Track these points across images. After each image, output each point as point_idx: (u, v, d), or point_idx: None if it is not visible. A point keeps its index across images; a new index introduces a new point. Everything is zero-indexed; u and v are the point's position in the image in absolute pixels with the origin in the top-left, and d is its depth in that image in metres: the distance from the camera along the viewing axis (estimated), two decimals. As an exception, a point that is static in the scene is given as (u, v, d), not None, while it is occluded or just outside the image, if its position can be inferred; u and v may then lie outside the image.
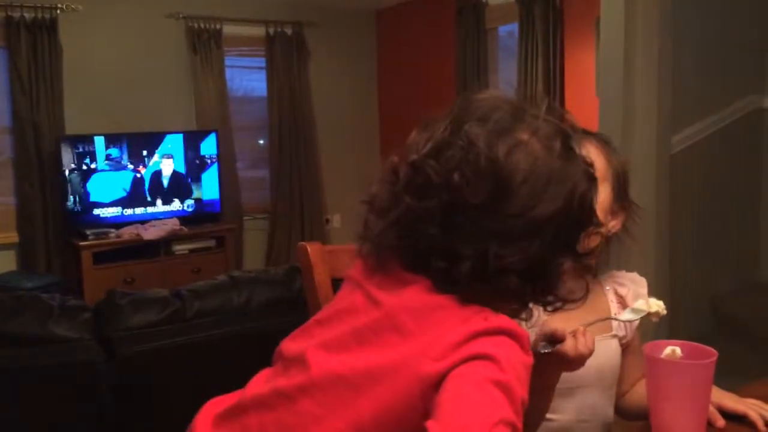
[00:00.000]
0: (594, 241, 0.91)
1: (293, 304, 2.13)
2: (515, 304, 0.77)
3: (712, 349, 0.94)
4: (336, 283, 1.18)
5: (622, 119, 3.02)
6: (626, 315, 0.96)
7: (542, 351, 0.85)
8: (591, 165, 0.78)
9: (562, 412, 0.98)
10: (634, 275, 1.17)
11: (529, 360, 0.70)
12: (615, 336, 1.12)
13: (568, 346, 0.84)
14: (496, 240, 0.71)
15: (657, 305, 0.93)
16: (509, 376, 0.64)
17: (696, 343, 0.96)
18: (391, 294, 0.74)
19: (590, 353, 0.85)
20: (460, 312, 0.71)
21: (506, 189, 0.71)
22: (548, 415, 0.97)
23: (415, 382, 0.67)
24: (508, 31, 4.83)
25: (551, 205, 0.72)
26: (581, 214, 0.75)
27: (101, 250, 4.40)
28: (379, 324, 0.72)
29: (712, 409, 0.98)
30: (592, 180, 0.77)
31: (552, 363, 0.86)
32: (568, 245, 0.76)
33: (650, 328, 1.00)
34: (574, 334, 0.85)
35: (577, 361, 0.85)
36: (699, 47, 3.28)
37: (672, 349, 0.94)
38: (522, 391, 0.65)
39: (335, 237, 5.76)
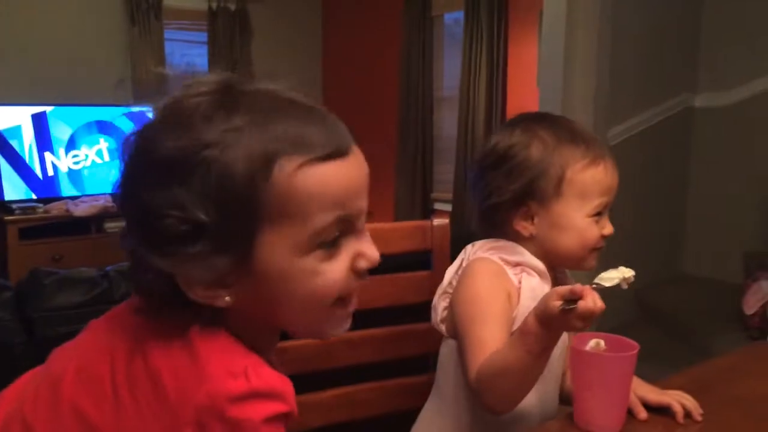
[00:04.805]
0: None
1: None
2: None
3: (634, 342, 0.97)
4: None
5: (561, 110, 3.07)
6: (606, 282, 0.94)
7: (565, 308, 0.82)
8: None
9: (529, 400, 0.99)
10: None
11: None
12: None
13: (590, 301, 0.82)
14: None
15: (628, 271, 0.95)
16: None
17: (620, 336, 0.99)
18: None
19: (601, 309, 0.83)
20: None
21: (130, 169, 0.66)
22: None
23: None
24: (455, 18, 4.84)
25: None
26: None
27: (28, 225, 4.22)
28: None
29: (636, 401, 1.00)
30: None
31: (569, 322, 0.84)
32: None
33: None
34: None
35: (591, 317, 0.83)
36: (637, 42, 3.35)
37: (596, 342, 0.97)
38: None
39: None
